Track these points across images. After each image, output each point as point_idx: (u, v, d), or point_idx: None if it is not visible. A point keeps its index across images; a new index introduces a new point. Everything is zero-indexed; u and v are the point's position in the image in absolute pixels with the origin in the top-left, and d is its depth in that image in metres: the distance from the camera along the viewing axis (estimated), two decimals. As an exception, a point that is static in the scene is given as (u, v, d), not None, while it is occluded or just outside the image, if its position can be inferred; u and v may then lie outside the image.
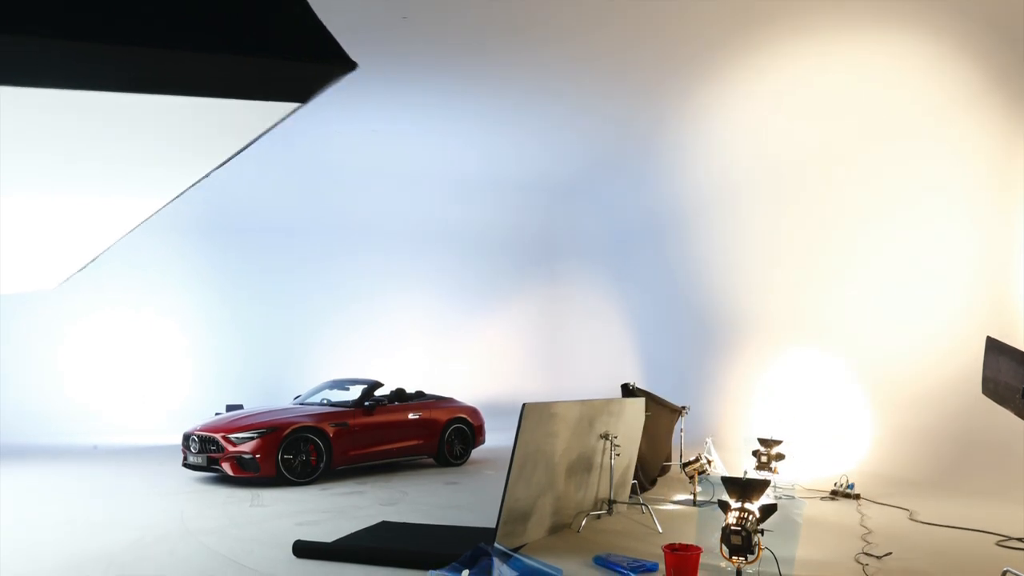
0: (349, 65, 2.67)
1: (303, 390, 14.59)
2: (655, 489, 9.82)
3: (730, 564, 5.26)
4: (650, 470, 9.90)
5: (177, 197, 5.10)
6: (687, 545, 5.71)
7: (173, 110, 3.16)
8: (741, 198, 14.96)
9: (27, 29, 2.20)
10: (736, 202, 15.11)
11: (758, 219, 14.68)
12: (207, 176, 4.47)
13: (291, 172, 18.06)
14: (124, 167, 4.48)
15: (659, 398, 10.24)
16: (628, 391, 9.10)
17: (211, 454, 10.04)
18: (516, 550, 6.31)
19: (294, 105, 2.97)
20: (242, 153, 4.06)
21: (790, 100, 12.63)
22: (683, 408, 10.91)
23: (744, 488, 5.50)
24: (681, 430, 11.36)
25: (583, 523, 7.35)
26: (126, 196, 5.24)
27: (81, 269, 10.04)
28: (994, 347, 5.16)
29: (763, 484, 5.54)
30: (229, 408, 14.07)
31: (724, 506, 5.49)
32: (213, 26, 2.52)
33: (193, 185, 4.69)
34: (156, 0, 2.45)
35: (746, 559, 5.15)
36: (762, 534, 5.26)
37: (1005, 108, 10.01)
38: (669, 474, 10.99)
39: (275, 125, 3.50)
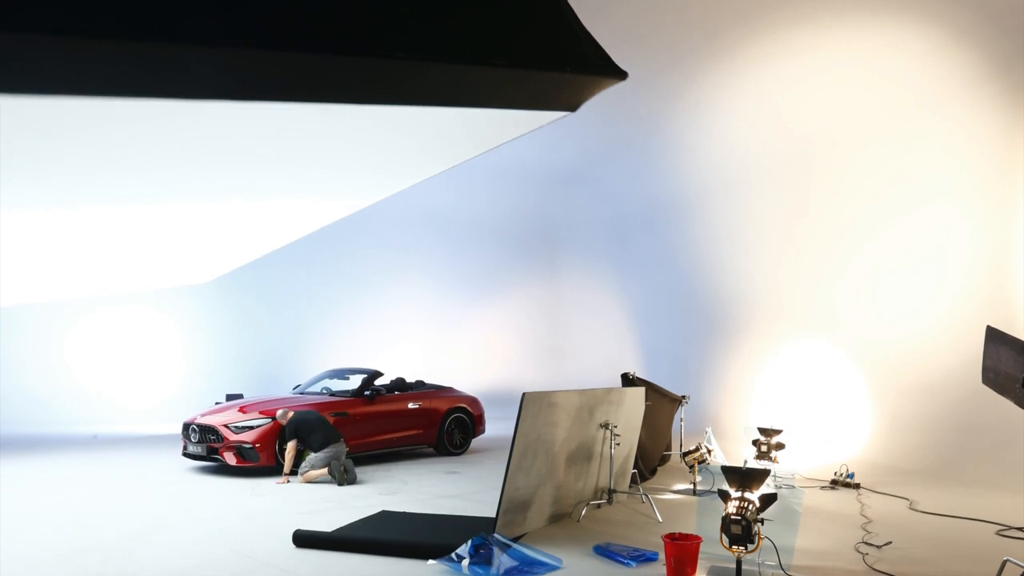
0: (619, 74, 2.66)
1: (303, 379, 14.60)
2: (655, 478, 9.83)
3: (730, 553, 5.26)
4: (650, 459, 9.90)
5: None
6: (687, 534, 5.71)
7: (432, 117, 3.19)
8: (741, 187, 14.91)
9: (278, 45, 2.21)
10: (736, 191, 15.07)
11: (758, 208, 14.64)
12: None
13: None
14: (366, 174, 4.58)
15: (659, 387, 10.23)
16: (628, 380, 9.09)
17: (211, 444, 10.04)
18: (516, 539, 6.32)
19: (562, 114, 2.97)
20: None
21: (791, 88, 12.58)
22: (683, 397, 10.90)
23: (744, 477, 5.50)
24: (681, 419, 11.36)
25: (583, 512, 7.35)
26: (342, 198, 5.35)
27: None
28: (994, 336, 5.14)
29: (763, 473, 5.54)
30: (229, 398, 14.07)
31: (724, 495, 5.49)
32: (485, 37, 2.52)
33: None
34: (424, 13, 2.45)
35: (746, 548, 5.15)
36: (762, 523, 5.26)
37: (1004, 97, 9.96)
38: (669, 463, 11.00)
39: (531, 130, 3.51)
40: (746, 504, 5.25)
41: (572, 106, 2.88)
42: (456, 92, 2.67)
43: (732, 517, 5.17)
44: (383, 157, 4.16)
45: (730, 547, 5.20)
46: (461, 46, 2.44)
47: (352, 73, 2.38)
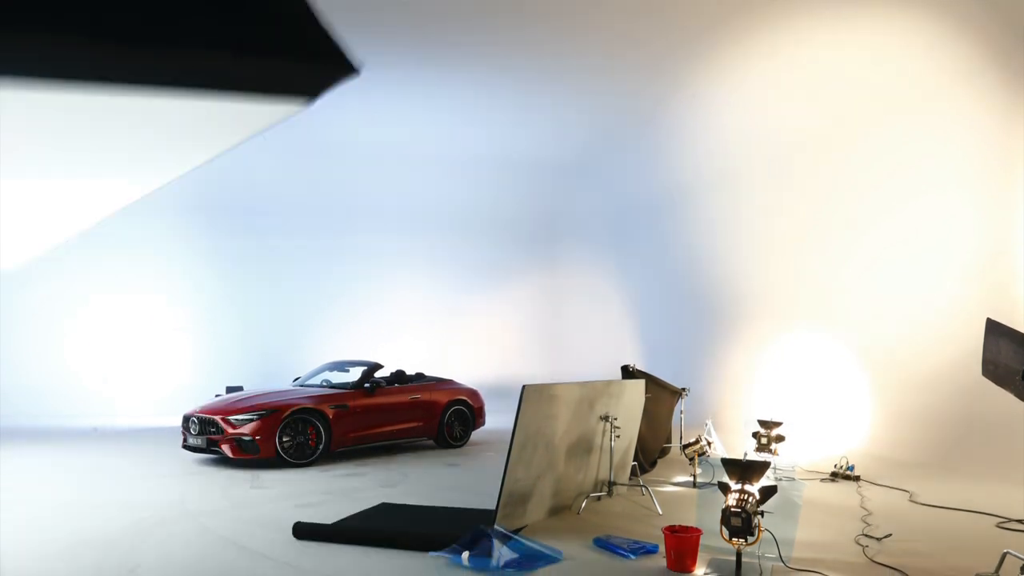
0: (351, 70, 2.66)
1: (303, 372, 14.59)
2: (655, 471, 9.82)
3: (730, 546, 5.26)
4: (650, 451, 9.90)
5: (161, 186, 5.12)
6: (687, 527, 5.71)
7: (174, 107, 3.16)
8: (742, 178, 14.89)
9: (27, 26, 2.19)
10: (737, 182, 15.05)
11: (758, 199, 14.62)
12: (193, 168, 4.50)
13: (291, 153, 17.97)
14: (118, 156, 4.50)
15: (659, 380, 10.22)
16: (628, 373, 9.08)
17: (211, 436, 10.04)
18: (516, 532, 6.31)
19: (299, 105, 2.96)
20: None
21: (790, 79, 12.55)
22: (683, 390, 10.90)
23: (744, 470, 5.49)
24: (681, 412, 11.35)
25: (583, 505, 7.35)
26: (112, 180, 5.26)
27: (47, 252, 9.97)
28: (994, 329, 5.13)
29: (763, 466, 5.54)
30: (229, 390, 14.05)
31: (724, 488, 5.49)
32: (217, 24, 2.51)
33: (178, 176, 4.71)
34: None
35: (746, 541, 5.15)
36: (762, 516, 5.26)
37: (1004, 89, 9.94)
38: (669, 456, 11.00)
39: (276, 123, 3.50)
40: (746, 496, 5.25)
41: (307, 97, 2.89)
42: (184, 76, 2.68)
43: (732, 509, 5.17)
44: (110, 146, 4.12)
45: (730, 539, 5.20)
46: (191, 31, 2.45)
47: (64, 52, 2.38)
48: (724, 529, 5.20)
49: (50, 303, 17.10)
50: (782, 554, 5.54)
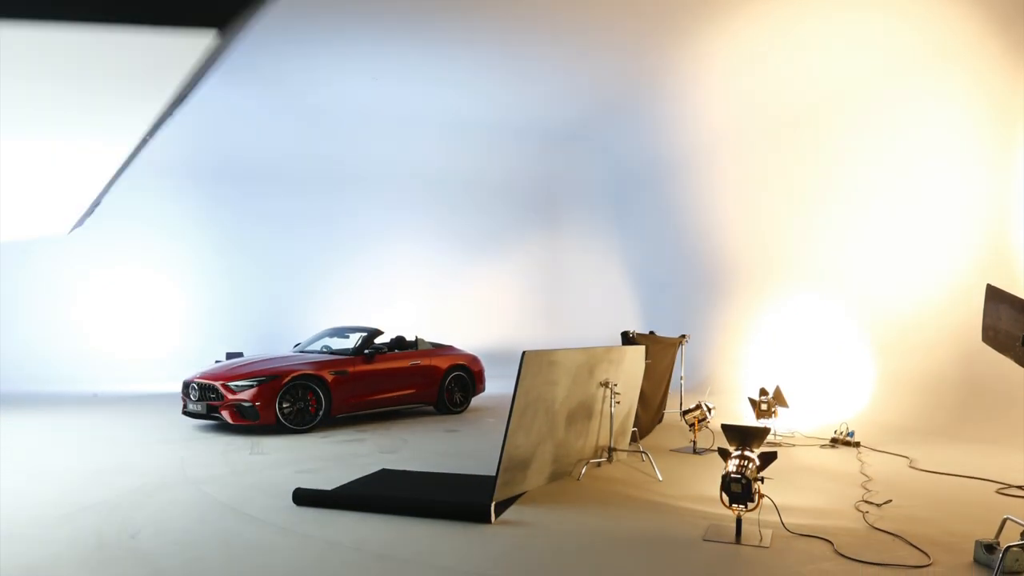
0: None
1: (303, 338, 14.59)
2: (655, 436, 9.83)
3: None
4: (651, 407, 9.90)
5: (143, 145, 5.08)
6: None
7: (93, 48, 3.14)
8: (743, 145, 14.80)
9: None
10: (738, 149, 14.95)
11: (760, 166, 14.55)
12: (161, 123, 4.44)
13: (288, 119, 17.86)
14: (68, 111, 4.48)
15: (658, 336, 10.24)
16: (628, 339, 9.05)
17: (211, 402, 10.04)
18: (516, 498, 6.32)
19: (213, 34, 2.91)
20: (196, 96, 4.03)
21: (789, 44, 12.41)
22: (683, 337, 10.93)
23: (744, 436, 5.47)
24: (681, 377, 11.38)
25: (583, 471, 7.35)
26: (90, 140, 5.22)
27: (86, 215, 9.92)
28: (994, 295, 5.09)
29: (763, 432, 5.52)
30: (229, 356, 14.08)
31: (724, 454, 5.47)
32: None
33: (152, 132, 4.66)
34: None
35: (746, 507, 5.14)
36: (762, 482, 5.25)
37: (1005, 57, 9.84)
38: (669, 421, 11.02)
39: (207, 64, 3.43)
40: (746, 462, 5.23)
41: (217, 27, 2.84)
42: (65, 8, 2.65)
43: (732, 475, 5.15)
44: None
45: (730, 506, 5.19)
46: None
47: None
48: (724, 495, 5.18)
49: (53, 270, 17.07)
50: (783, 520, 5.53)
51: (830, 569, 4.64)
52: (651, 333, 10.34)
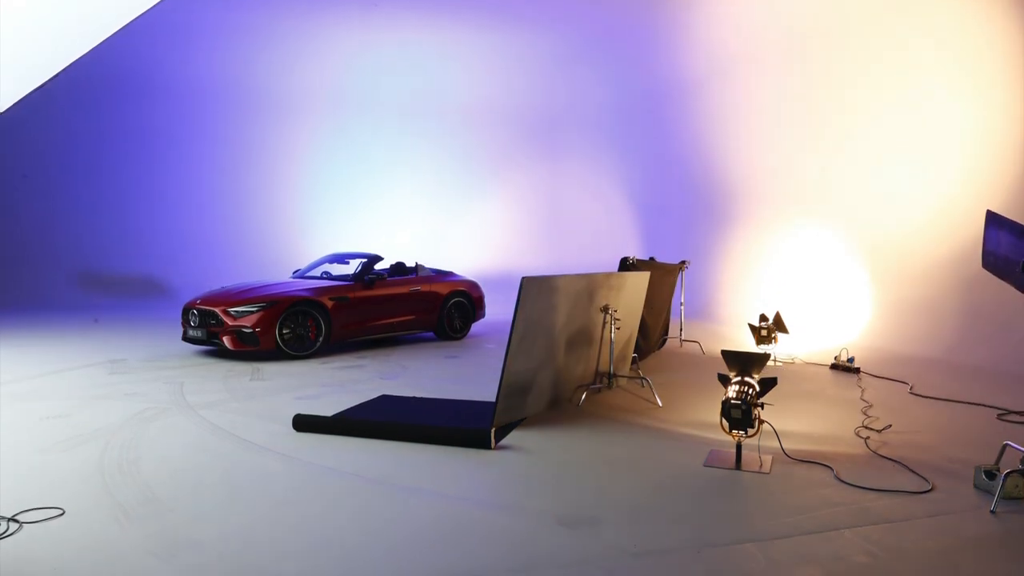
0: None
1: (302, 264, 14.53)
2: (655, 362, 9.83)
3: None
4: (652, 331, 9.89)
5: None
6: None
7: None
8: (743, 71, 14.55)
9: None
10: (738, 75, 14.70)
11: (760, 93, 14.33)
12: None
13: (287, 45, 17.53)
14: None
15: (658, 262, 10.17)
16: (627, 265, 8.97)
17: (211, 328, 10.01)
18: (516, 424, 6.32)
19: None
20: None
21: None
22: (683, 263, 10.87)
23: (744, 361, 5.43)
24: (681, 303, 11.34)
25: (583, 397, 7.34)
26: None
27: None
28: (994, 221, 5.00)
29: (763, 358, 5.47)
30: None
31: (724, 380, 5.44)
32: None
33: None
34: None
35: (746, 433, 5.12)
36: (762, 407, 5.22)
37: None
38: (669, 347, 11.02)
39: None
40: (746, 388, 5.20)
41: None
42: None
43: (732, 401, 5.12)
44: None
45: (730, 431, 5.17)
46: None
47: None
48: (724, 421, 5.17)
49: (53, 195, 16.95)
50: (783, 446, 5.53)
51: (830, 495, 4.65)
52: (651, 259, 10.26)
